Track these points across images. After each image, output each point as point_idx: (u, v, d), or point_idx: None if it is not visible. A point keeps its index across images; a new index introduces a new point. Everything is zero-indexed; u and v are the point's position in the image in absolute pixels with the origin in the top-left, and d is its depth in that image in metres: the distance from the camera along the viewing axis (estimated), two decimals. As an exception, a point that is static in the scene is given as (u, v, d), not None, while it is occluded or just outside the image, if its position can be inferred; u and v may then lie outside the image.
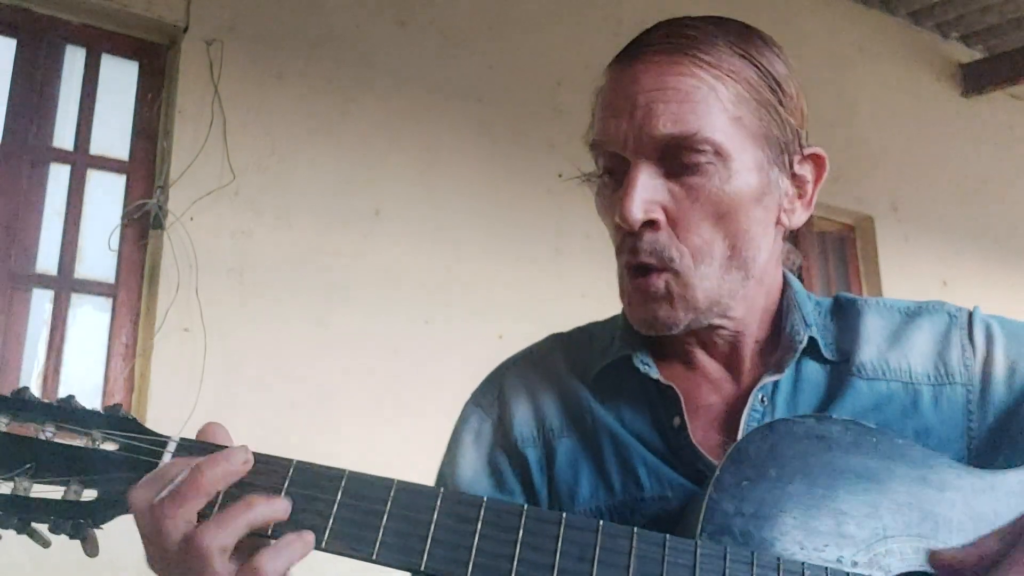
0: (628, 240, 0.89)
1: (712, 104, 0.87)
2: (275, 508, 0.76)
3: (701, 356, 0.96)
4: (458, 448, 0.99)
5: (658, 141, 0.87)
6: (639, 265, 0.89)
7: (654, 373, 0.94)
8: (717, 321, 0.93)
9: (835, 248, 4.62)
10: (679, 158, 0.87)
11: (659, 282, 0.89)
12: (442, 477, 1.00)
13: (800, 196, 0.95)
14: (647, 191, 0.87)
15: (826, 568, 0.76)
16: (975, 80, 5.16)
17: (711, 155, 0.87)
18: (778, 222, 0.94)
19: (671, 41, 0.89)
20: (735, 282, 0.91)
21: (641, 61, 0.89)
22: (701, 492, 0.83)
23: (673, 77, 0.88)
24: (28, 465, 0.75)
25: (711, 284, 0.90)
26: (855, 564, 0.78)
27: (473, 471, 0.97)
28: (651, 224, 0.88)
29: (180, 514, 0.73)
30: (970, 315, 0.97)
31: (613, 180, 0.91)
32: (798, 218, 0.96)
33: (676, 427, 0.92)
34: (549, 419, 0.97)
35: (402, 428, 2.92)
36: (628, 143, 0.88)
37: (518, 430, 0.97)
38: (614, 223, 0.90)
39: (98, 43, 2.97)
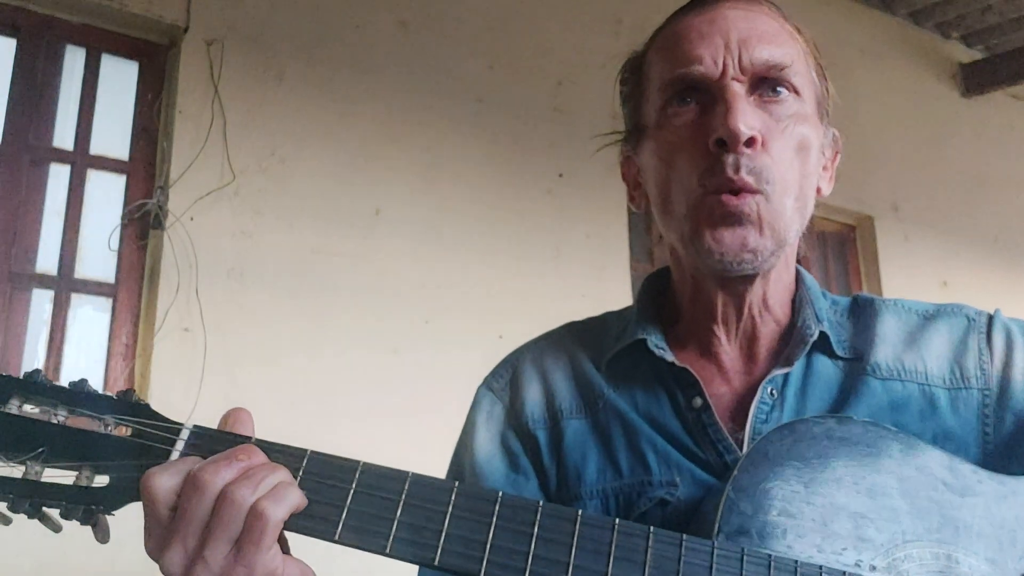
0: (722, 160, 0.85)
1: (794, 48, 0.91)
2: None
3: (722, 339, 0.95)
4: (472, 431, 0.99)
5: (756, 66, 0.88)
6: (734, 186, 0.85)
7: (669, 356, 0.93)
8: (766, 266, 0.90)
9: (835, 248, 4.62)
10: (768, 88, 0.88)
11: (752, 203, 0.85)
12: (457, 462, 0.99)
13: (824, 168, 0.97)
14: (747, 110, 0.86)
15: (844, 572, 0.75)
16: (975, 80, 5.16)
17: (794, 93, 0.89)
18: (817, 189, 0.95)
19: None
20: (795, 229, 0.90)
21: (724, 6, 0.91)
22: (718, 488, 0.82)
23: (762, 19, 0.91)
24: (40, 449, 0.73)
25: (788, 219, 0.88)
26: (873, 568, 0.77)
27: (487, 453, 0.96)
28: (750, 143, 0.85)
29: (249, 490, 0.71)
30: (990, 318, 0.95)
31: (695, 107, 0.89)
32: (827, 188, 0.98)
33: (698, 407, 0.91)
34: (559, 401, 0.97)
35: (402, 428, 2.92)
36: (724, 67, 0.87)
37: (529, 411, 0.97)
38: (704, 144, 0.86)
39: (98, 43, 2.96)
